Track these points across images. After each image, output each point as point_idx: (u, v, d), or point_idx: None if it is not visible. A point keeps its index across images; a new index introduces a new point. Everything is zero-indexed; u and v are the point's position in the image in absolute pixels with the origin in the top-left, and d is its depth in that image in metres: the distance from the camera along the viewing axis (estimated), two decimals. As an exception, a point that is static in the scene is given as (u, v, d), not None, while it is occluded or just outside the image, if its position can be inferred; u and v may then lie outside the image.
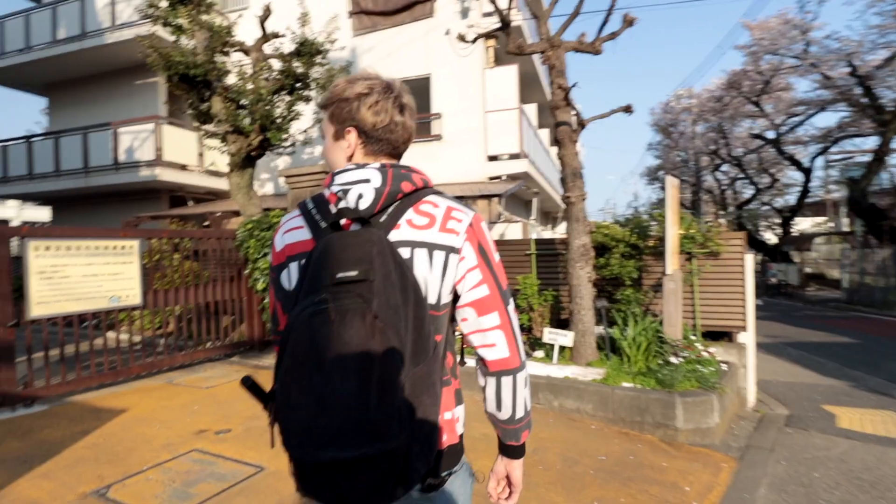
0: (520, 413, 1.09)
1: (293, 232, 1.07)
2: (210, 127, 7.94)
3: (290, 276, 1.05)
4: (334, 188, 1.02)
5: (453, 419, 1.07)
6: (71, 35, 11.40)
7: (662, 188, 19.32)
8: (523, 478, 1.16)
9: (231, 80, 7.46)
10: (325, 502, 0.90)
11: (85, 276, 4.77)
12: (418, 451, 0.91)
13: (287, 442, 0.87)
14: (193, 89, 7.10)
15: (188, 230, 5.90)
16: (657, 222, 5.54)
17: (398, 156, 1.13)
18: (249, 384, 1.00)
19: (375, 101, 1.06)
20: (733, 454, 3.58)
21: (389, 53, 10.61)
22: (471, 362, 1.17)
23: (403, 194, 1.03)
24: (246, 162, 7.28)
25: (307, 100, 7.80)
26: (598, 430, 3.88)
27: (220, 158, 10.06)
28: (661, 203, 19.93)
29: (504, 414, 1.09)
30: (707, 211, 24.30)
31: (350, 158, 1.09)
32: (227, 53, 7.42)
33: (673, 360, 4.41)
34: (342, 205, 1.00)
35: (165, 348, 5.70)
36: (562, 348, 4.95)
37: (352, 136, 1.08)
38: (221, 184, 11.43)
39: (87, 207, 12.42)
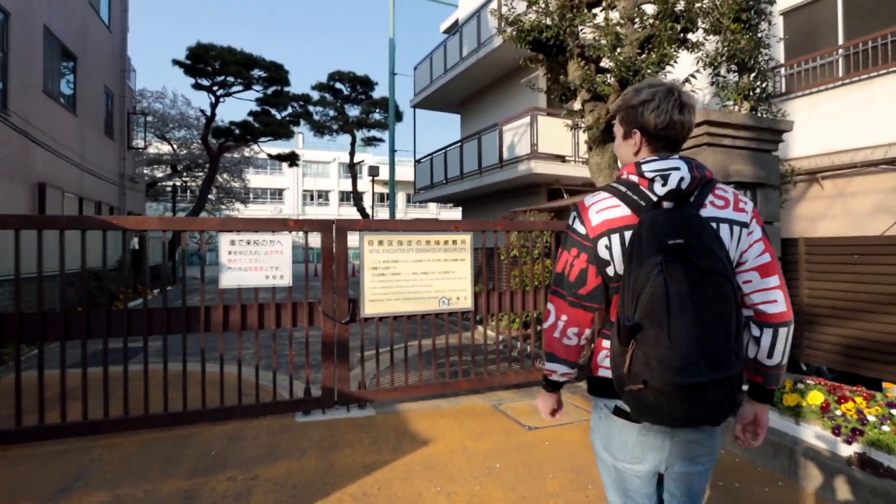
0: (784, 360, 1.29)
1: (610, 210, 1.27)
2: (573, 105, 6.86)
3: (611, 245, 1.25)
4: (648, 174, 1.26)
5: None
6: (471, 50, 12.64)
7: None
8: None
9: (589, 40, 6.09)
10: (673, 422, 1.17)
11: (415, 274, 4.35)
12: (738, 383, 1.14)
13: (646, 371, 1.08)
14: (548, 58, 6.11)
15: (524, 222, 4.87)
16: None
17: (677, 148, 1.33)
18: (632, 325, 1.10)
19: (657, 106, 1.28)
20: None
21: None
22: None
23: (707, 180, 1.29)
24: (606, 135, 5.76)
25: (687, 45, 5.55)
26: None
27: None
28: None
29: (774, 360, 1.28)
30: None
31: (637, 154, 1.35)
32: (590, 9, 6.08)
33: None
34: (665, 188, 1.24)
35: (520, 355, 4.85)
36: None
37: (637, 136, 1.34)
38: (595, 172, 10.34)
39: (481, 205, 13.69)
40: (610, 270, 1.26)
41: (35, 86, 9.55)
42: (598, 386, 1.33)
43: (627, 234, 1.21)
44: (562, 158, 10.67)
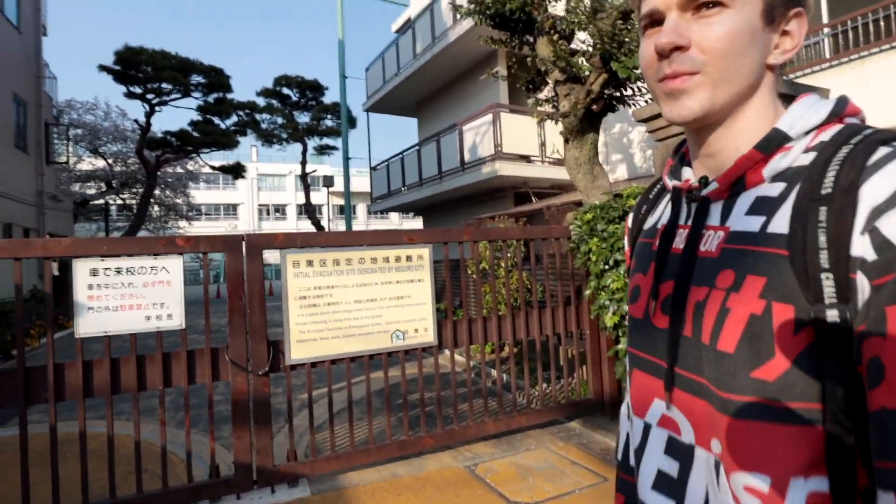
0: None
1: None
2: (542, 94, 6.05)
3: None
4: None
5: None
6: (425, 46, 11.76)
7: None
8: None
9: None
10: None
11: (358, 303, 3.33)
12: None
13: None
14: (514, 36, 5.25)
15: (495, 229, 3.95)
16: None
17: None
18: None
19: None
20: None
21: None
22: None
23: None
24: (585, 124, 4.93)
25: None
26: None
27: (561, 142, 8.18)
28: None
29: None
30: None
31: (778, 68, 0.58)
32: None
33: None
34: None
35: (496, 386, 3.88)
36: None
37: (799, 25, 0.56)
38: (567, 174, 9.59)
39: (444, 213, 12.76)
40: None
41: None
42: None
43: None
44: (527, 159, 9.87)
